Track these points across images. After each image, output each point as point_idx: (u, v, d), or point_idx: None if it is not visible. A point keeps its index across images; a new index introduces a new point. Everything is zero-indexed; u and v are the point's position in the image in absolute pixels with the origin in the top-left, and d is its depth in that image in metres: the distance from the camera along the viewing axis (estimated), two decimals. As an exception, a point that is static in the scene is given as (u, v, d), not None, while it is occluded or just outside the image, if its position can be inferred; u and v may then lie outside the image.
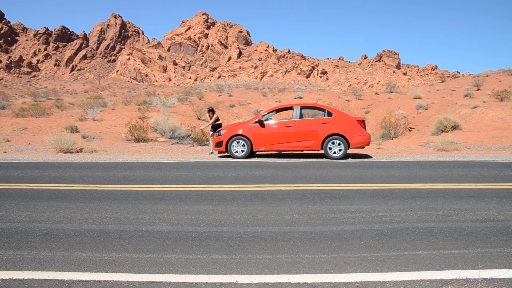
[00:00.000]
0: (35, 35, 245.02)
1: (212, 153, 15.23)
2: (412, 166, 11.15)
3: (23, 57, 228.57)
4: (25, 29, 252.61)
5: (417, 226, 5.31)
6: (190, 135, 20.67)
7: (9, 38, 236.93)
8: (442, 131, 21.61)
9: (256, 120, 13.50)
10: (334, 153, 12.95)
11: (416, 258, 4.20)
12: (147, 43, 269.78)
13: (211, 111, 16.08)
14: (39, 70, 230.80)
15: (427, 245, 4.58)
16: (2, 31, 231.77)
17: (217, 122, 16.01)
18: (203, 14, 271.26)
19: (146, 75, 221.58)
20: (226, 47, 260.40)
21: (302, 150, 13.51)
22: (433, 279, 3.68)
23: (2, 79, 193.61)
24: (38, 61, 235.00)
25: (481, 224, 5.40)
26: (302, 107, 13.92)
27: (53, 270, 3.93)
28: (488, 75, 55.44)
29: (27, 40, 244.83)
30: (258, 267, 3.99)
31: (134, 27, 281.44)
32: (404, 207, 6.35)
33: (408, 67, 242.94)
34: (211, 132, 15.85)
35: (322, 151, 13.94)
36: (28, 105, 38.02)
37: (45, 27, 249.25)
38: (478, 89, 44.48)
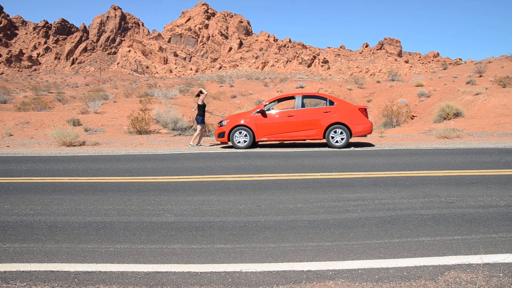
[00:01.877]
0: (34, 29, 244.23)
1: (193, 145, 14.40)
2: (414, 153, 11.15)
3: (23, 51, 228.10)
4: (24, 23, 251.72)
5: (420, 213, 5.33)
6: (192, 126, 20.67)
7: (8, 32, 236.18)
8: (444, 119, 21.54)
9: (258, 110, 13.47)
10: (337, 142, 12.94)
11: (419, 244, 4.23)
12: (147, 35, 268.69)
13: (199, 95, 15.07)
14: (40, 63, 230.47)
15: (430, 232, 4.61)
16: (1, 25, 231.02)
17: (199, 102, 14.86)
18: (203, 4, 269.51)
19: (147, 67, 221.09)
20: (226, 38, 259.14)
21: (304, 140, 13.50)
22: (436, 264, 3.71)
23: (2, 73, 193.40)
24: (38, 54, 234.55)
25: (484, 210, 5.42)
26: (304, 97, 13.88)
27: (59, 262, 3.97)
28: (491, 62, 55.08)
29: (26, 33, 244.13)
30: (262, 255, 4.02)
31: (134, 18, 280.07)
32: (407, 194, 6.36)
33: (410, 54, 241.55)
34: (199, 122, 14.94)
35: (324, 140, 13.93)
36: (30, 99, 38.03)
37: (44, 20, 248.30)
38: (481, 76, 44.23)
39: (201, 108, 15.05)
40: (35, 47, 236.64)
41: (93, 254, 4.14)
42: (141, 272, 3.68)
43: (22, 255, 4.16)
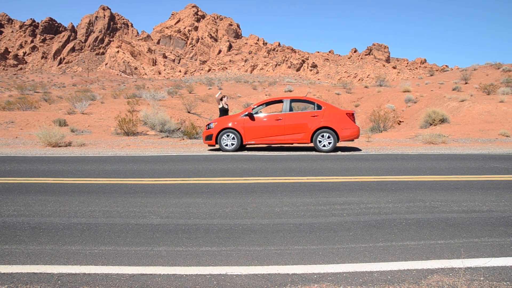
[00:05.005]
0: (21, 27, 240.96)
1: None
2: (400, 158, 11.27)
3: (9, 49, 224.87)
4: (10, 21, 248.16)
5: (405, 218, 5.39)
6: (180, 128, 20.59)
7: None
8: (431, 124, 21.82)
9: (246, 113, 13.49)
10: (324, 146, 13.01)
11: (403, 248, 4.27)
12: (136, 36, 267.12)
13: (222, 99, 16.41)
14: (26, 62, 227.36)
15: (414, 236, 4.66)
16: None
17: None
18: (193, 6, 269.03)
19: (136, 68, 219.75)
20: (216, 40, 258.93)
21: (292, 143, 13.56)
22: (419, 268, 3.75)
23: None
24: (24, 53, 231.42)
25: (467, 215, 5.50)
26: (292, 100, 13.94)
27: (42, 263, 3.92)
28: (476, 69, 55.99)
29: (12, 32, 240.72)
30: (247, 258, 4.03)
31: (123, 19, 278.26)
32: (392, 199, 6.43)
33: (398, 60, 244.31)
34: None
35: (311, 144, 14.00)
36: (15, 98, 37.50)
37: (31, 19, 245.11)
38: (466, 83, 44.94)
39: (223, 112, 16.04)
40: (21, 46, 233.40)
41: (77, 256, 4.10)
42: (126, 274, 3.66)
43: (3, 256, 4.10)
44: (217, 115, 30.65)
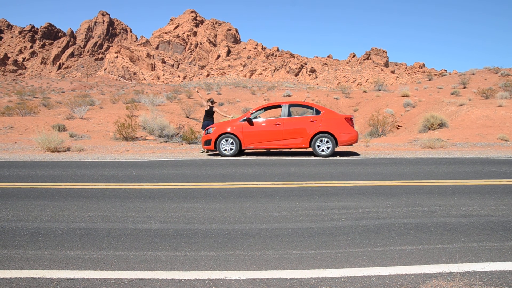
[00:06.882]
0: (20, 33, 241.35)
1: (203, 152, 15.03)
2: (399, 163, 11.29)
3: (8, 55, 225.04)
4: (10, 26, 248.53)
5: (403, 222, 5.40)
6: (179, 133, 20.60)
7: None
8: (429, 129, 21.86)
9: (245, 118, 13.51)
10: (322, 150, 13.03)
11: (401, 253, 4.28)
12: (135, 41, 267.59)
13: (211, 101, 16.12)
14: (25, 68, 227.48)
15: (412, 240, 4.67)
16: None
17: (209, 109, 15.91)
18: (191, 11, 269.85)
19: (135, 73, 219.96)
20: (215, 45, 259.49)
21: (291, 148, 13.56)
22: (417, 273, 3.77)
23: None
24: (24, 59, 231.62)
25: (465, 220, 5.52)
26: (291, 105, 13.96)
27: (41, 268, 3.92)
28: (474, 74, 56.14)
29: (12, 37, 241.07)
30: (246, 263, 4.04)
31: (122, 24, 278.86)
32: (390, 203, 6.44)
33: (396, 65, 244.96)
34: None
35: (310, 149, 14.01)
36: (14, 103, 37.52)
37: (30, 24, 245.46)
38: (464, 87, 45.03)
39: (207, 114, 15.83)
40: (20, 51, 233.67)
41: (76, 261, 4.10)
42: (125, 279, 3.66)
43: (2, 262, 4.10)
44: (216, 120, 30.71)
